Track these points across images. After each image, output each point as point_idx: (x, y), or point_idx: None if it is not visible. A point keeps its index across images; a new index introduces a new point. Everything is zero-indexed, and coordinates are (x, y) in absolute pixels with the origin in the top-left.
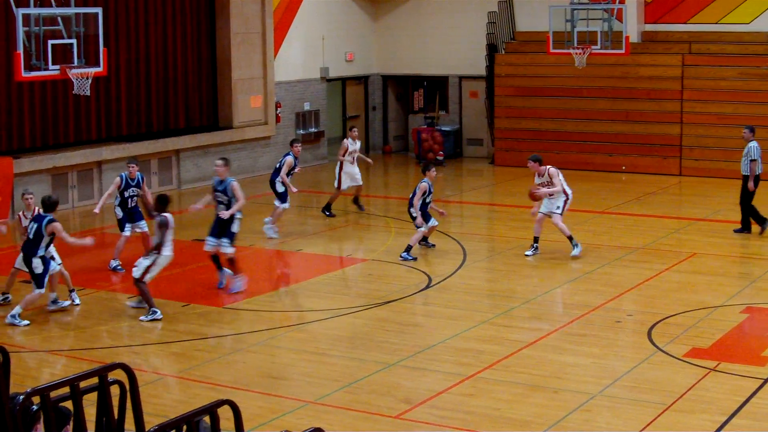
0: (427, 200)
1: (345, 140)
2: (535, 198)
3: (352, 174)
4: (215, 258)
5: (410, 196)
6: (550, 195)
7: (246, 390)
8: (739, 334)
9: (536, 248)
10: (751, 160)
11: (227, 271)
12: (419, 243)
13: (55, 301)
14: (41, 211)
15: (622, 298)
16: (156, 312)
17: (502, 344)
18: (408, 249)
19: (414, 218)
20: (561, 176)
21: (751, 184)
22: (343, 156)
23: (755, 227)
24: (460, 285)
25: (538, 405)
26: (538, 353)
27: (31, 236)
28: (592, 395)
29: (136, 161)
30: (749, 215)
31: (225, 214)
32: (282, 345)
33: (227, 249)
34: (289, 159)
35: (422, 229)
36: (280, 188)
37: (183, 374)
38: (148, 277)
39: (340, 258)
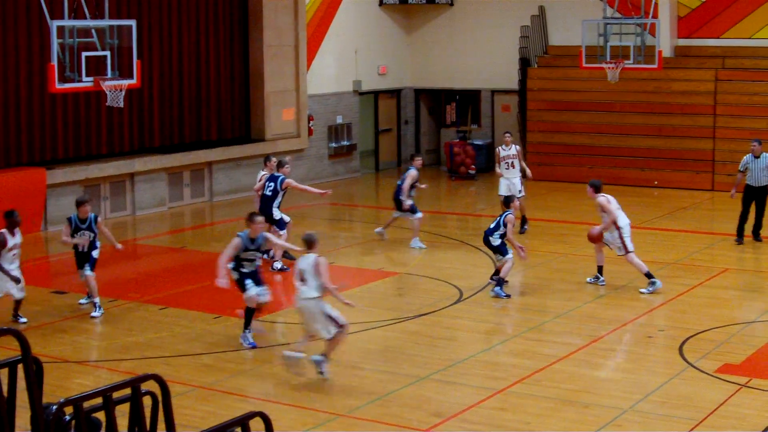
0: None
1: (497, 148)
2: (594, 240)
3: (508, 183)
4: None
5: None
6: (605, 230)
7: (277, 402)
8: None
9: (597, 277)
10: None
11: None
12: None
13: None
14: None
15: (654, 313)
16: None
17: (533, 358)
18: (500, 283)
19: (402, 203)
20: (613, 204)
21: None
22: (498, 164)
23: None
24: (491, 299)
25: (569, 420)
26: (569, 368)
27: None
28: (622, 410)
29: (88, 198)
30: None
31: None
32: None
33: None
34: (413, 172)
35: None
36: (408, 202)
37: (214, 386)
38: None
39: (372, 271)
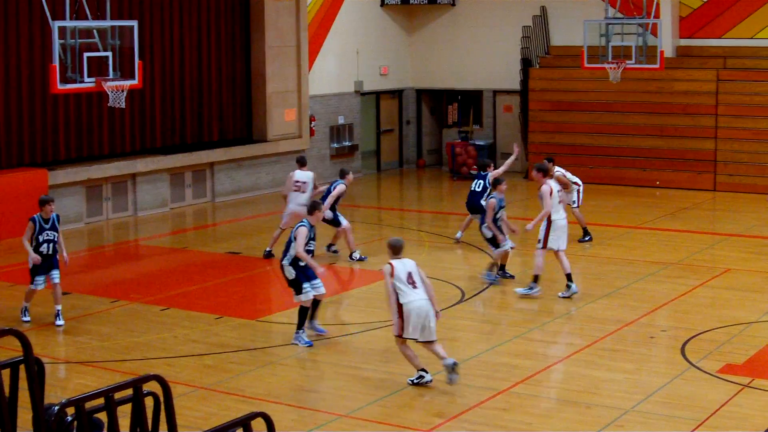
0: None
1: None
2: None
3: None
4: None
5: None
6: (538, 224)
7: (278, 403)
8: None
9: (569, 287)
10: None
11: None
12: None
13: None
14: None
15: (656, 313)
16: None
17: (535, 359)
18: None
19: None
20: (554, 196)
21: None
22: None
23: None
24: (493, 300)
25: (571, 420)
26: (571, 368)
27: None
28: (624, 411)
29: (52, 198)
30: None
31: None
32: (315, 358)
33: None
34: (342, 187)
35: None
36: (329, 214)
37: (216, 386)
38: None
39: (374, 272)
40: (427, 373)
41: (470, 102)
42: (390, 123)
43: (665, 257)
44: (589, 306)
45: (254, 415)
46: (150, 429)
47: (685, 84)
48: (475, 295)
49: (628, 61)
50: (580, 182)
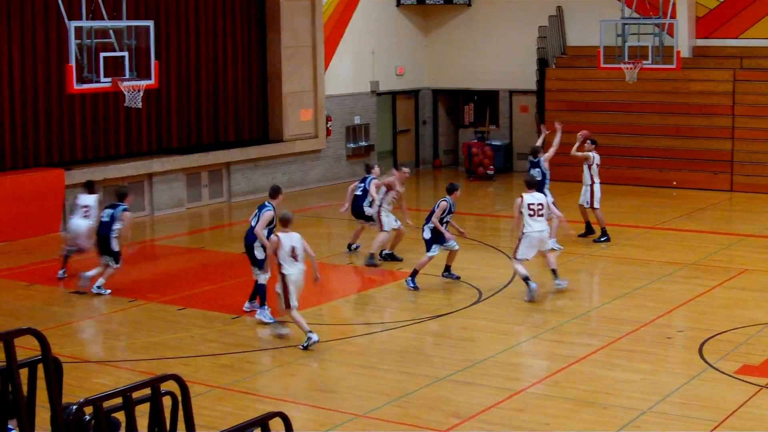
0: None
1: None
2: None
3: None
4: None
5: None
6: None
7: (295, 403)
8: None
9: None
10: None
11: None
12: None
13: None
14: None
15: (673, 314)
16: None
17: (552, 359)
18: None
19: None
20: (524, 209)
21: None
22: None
23: None
24: (511, 300)
25: (588, 421)
26: (587, 369)
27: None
28: (641, 411)
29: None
30: None
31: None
32: (331, 358)
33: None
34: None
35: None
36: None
37: (233, 386)
38: None
39: (390, 272)
40: (313, 333)
41: (486, 102)
42: (406, 123)
43: (682, 258)
44: (605, 306)
45: (272, 415)
46: (168, 428)
47: (701, 84)
48: (492, 295)
49: (644, 62)
50: (597, 180)
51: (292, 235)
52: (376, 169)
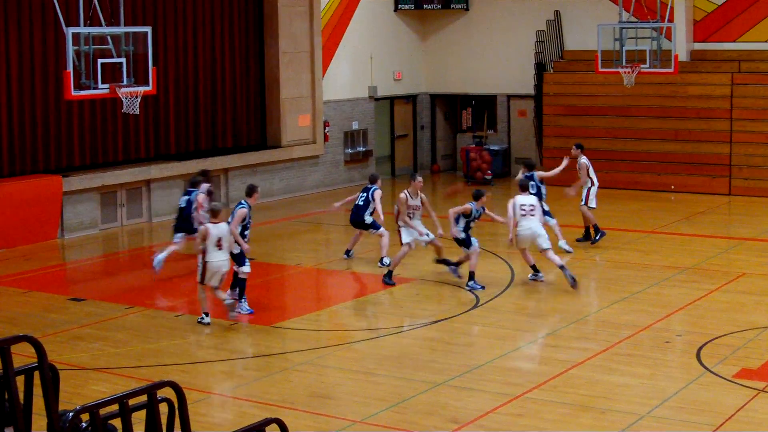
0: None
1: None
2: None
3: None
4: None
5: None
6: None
7: (293, 409)
8: None
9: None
10: None
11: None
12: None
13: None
14: None
15: (671, 318)
16: None
17: (550, 364)
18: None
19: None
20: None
21: None
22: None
23: None
24: (508, 305)
25: (586, 425)
26: (586, 373)
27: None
28: (640, 416)
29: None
30: None
31: None
32: (329, 364)
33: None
34: (244, 210)
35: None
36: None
37: (231, 393)
38: None
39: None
40: (207, 315)
41: (484, 107)
42: (404, 128)
43: (680, 262)
44: (603, 311)
45: (269, 421)
46: None
47: (699, 88)
48: (489, 300)
49: (642, 65)
50: (596, 181)
51: (221, 226)
52: (379, 182)
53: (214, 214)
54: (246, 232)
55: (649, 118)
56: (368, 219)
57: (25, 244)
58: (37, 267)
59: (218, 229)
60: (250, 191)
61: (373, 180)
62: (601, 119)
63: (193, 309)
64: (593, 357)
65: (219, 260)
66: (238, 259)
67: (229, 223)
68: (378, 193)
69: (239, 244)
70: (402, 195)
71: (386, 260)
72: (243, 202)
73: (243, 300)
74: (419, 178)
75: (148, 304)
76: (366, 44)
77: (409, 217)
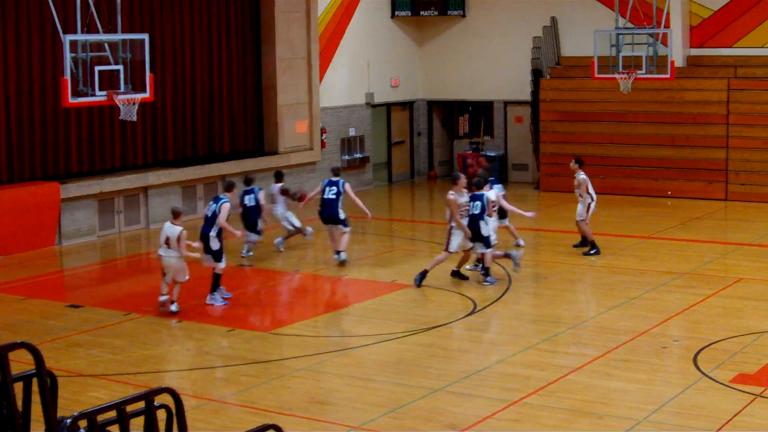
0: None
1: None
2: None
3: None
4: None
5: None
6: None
7: (291, 415)
8: None
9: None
10: None
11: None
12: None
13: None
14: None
15: (668, 323)
16: None
17: (548, 370)
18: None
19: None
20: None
21: None
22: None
23: None
24: (506, 310)
25: (584, 431)
26: (583, 379)
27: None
28: (637, 421)
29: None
30: None
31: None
32: (327, 370)
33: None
34: (227, 205)
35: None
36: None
37: (228, 399)
38: None
39: (386, 283)
40: (173, 303)
41: (481, 113)
42: (401, 134)
43: (677, 267)
44: (601, 316)
45: (267, 427)
46: None
47: (696, 93)
48: (487, 306)
49: (638, 71)
50: (594, 197)
51: (175, 228)
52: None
53: (175, 215)
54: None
55: (645, 123)
56: (342, 215)
57: (22, 251)
58: (34, 274)
59: (172, 230)
60: (230, 186)
61: (337, 173)
62: (598, 125)
63: (192, 315)
64: (591, 362)
65: (167, 256)
66: (216, 255)
67: (209, 217)
68: (348, 186)
69: (231, 233)
70: (451, 196)
71: (343, 255)
72: (223, 196)
73: (216, 292)
74: (463, 177)
75: (145, 310)
76: (363, 51)
77: (461, 216)
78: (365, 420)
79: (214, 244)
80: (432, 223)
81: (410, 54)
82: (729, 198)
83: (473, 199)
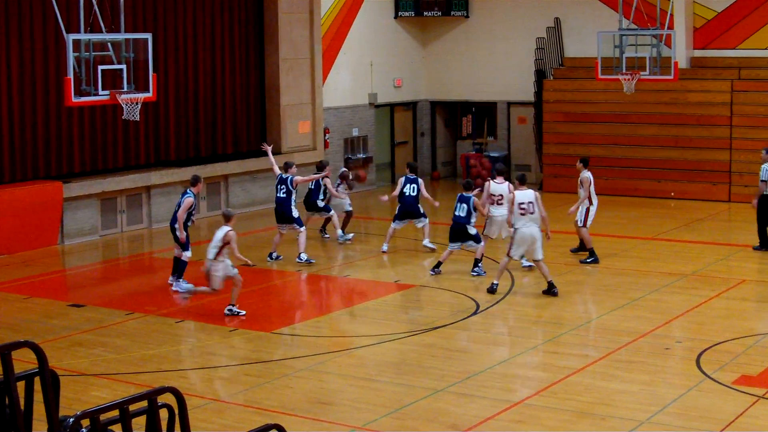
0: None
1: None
2: None
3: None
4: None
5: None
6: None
7: (293, 415)
8: None
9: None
10: (762, 181)
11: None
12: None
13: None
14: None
15: (671, 324)
16: None
17: (550, 371)
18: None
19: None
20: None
21: (754, 201)
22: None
23: None
24: (508, 311)
25: None
26: (585, 380)
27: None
28: (640, 422)
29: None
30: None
31: None
32: (329, 370)
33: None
34: (190, 199)
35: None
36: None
37: (231, 399)
38: None
39: (388, 284)
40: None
41: (484, 114)
42: (404, 135)
43: (680, 268)
44: (603, 317)
45: (269, 427)
46: None
47: (699, 95)
48: (489, 307)
49: (642, 73)
50: (595, 202)
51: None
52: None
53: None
54: (192, 218)
55: (649, 125)
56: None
57: (25, 250)
58: (37, 273)
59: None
60: (195, 181)
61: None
62: (601, 126)
63: (194, 315)
64: (593, 363)
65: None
66: (182, 244)
67: (177, 210)
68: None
69: (179, 231)
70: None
71: (303, 256)
72: (189, 191)
73: (181, 279)
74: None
75: (147, 310)
76: (366, 51)
77: (499, 204)
78: (367, 420)
79: (181, 235)
80: (434, 223)
81: (413, 54)
82: (732, 199)
83: (460, 200)
